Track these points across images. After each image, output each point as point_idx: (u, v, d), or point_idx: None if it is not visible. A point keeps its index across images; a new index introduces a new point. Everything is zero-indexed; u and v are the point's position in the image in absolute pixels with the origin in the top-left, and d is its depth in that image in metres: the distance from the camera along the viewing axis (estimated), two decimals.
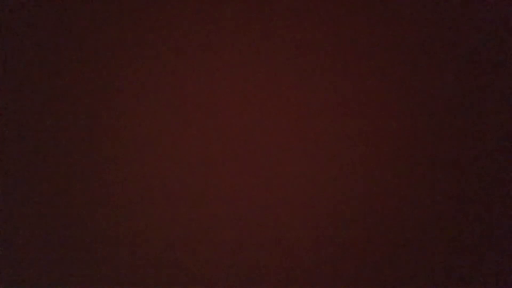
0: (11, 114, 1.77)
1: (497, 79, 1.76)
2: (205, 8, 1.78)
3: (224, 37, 1.78)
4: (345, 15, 1.77)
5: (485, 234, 1.74)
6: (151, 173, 1.75)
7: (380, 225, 1.74)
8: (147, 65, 1.77)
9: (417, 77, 1.77)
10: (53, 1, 1.78)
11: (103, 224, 1.75)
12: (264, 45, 1.77)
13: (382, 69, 1.77)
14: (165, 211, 1.75)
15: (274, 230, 1.75)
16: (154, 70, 1.77)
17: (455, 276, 1.74)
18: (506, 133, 1.75)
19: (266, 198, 1.75)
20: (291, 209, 1.75)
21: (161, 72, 1.77)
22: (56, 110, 1.77)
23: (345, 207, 1.75)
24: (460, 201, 1.75)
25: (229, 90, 1.77)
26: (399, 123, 1.76)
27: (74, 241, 1.75)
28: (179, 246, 1.75)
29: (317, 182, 1.75)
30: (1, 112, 1.77)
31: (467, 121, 1.76)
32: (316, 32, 1.77)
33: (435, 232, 1.74)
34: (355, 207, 1.75)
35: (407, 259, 1.74)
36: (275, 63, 1.77)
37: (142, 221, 1.75)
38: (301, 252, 1.74)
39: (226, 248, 1.75)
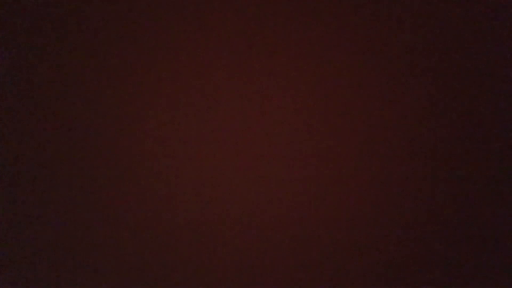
0: (11, 114, 1.77)
1: (497, 79, 1.76)
2: (206, 9, 1.78)
3: (225, 38, 1.78)
4: (345, 15, 1.78)
5: (485, 234, 1.74)
6: (152, 174, 1.76)
7: (380, 225, 1.74)
8: (148, 65, 1.78)
9: (417, 77, 1.77)
10: (54, 1, 1.78)
11: (103, 225, 1.75)
12: (265, 46, 1.77)
13: (382, 69, 1.77)
14: (165, 212, 1.75)
15: (274, 230, 1.75)
16: (154, 70, 1.77)
17: (455, 276, 1.74)
18: (506, 133, 1.75)
19: (266, 198, 1.75)
20: (291, 209, 1.75)
21: (161, 72, 1.77)
22: (55, 110, 1.77)
23: (345, 207, 1.75)
24: (460, 201, 1.75)
25: (230, 91, 1.77)
26: (399, 124, 1.76)
27: (75, 242, 1.75)
28: (179, 246, 1.75)
29: (317, 183, 1.75)
30: (2, 112, 1.77)
31: (467, 121, 1.76)
32: (316, 33, 1.78)
33: (435, 232, 1.74)
34: (355, 207, 1.75)
35: (407, 259, 1.74)
36: (276, 63, 1.77)
37: (143, 222, 1.75)
38: (301, 252, 1.74)
39: (226, 248, 1.75)
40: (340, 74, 1.77)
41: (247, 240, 1.75)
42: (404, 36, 1.77)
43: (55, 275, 1.75)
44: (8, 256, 1.75)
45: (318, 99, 1.77)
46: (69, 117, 1.77)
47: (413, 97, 1.77)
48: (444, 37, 1.77)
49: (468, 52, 1.77)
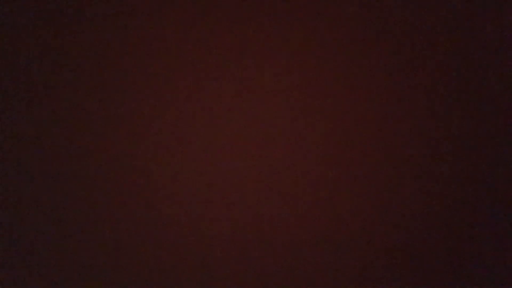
0: (9, 113, 1.77)
1: (497, 79, 1.76)
2: (206, 9, 1.78)
3: (224, 39, 1.78)
4: (344, 15, 1.78)
5: (485, 234, 1.74)
6: (152, 174, 1.76)
7: (380, 226, 1.74)
8: (148, 65, 1.78)
9: (417, 78, 1.77)
10: (55, 2, 1.78)
11: (103, 225, 1.75)
12: (266, 46, 1.77)
13: (382, 70, 1.77)
14: (165, 213, 1.75)
15: (274, 230, 1.75)
16: (154, 70, 1.77)
17: (455, 276, 1.74)
18: (506, 133, 1.75)
19: (267, 199, 1.75)
20: (291, 209, 1.75)
21: (161, 72, 1.77)
22: (56, 110, 1.77)
23: (346, 208, 1.75)
24: (460, 201, 1.75)
25: (230, 92, 1.77)
26: (399, 124, 1.76)
27: (75, 242, 1.75)
28: (179, 247, 1.75)
29: (318, 183, 1.75)
30: (3, 112, 1.77)
31: (466, 121, 1.76)
32: (315, 33, 1.77)
33: (435, 232, 1.74)
34: (355, 207, 1.75)
35: (407, 259, 1.74)
36: (276, 64, 1.77)
37: (143, 222, 1.75)
38: (301, 253, 1.74)
39: (226, 249, 1.75)
40: (342, 75, 1.77)
41: (248, 241, 1.75)
42: (406, 36, 1.77)
43: (55, 275, 1.75)
44: (7, 256, 1.75)
45: (319, 100, 1.76)
46: (71, 118, 1.77)
47: (415, 97, 1.76)
48: (445, 37, 1.77)
49: (469, 51, 1.77)
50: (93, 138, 1.76)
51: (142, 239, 1.75)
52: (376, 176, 1.75)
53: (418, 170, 1.75)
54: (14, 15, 1.78)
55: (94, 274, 1.75)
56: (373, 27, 1.77)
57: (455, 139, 1.76)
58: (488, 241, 1.74)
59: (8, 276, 1.75)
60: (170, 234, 1.75)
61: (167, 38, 1.78)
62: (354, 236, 1.74)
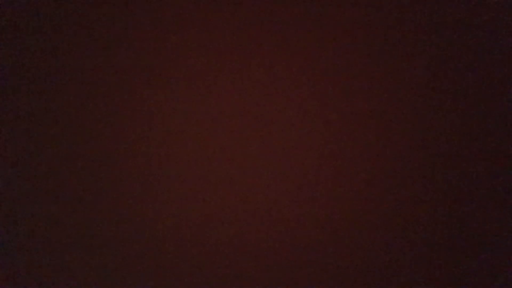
0: (10, 113, 1.77)
1: (497, 79, 1.76)
2: (206, 9, 1.78)
3: (224, 39, 1.78)
4: (344, 16, 1.78)
5: (485, 234, 1.74)
6: (152, 174, 1.76)
7: (380, 225, 1.74)
8: (149, 66, 1.78)
9: (417, 78, 1.77)
10: (54, 2, 1.79)
11: (103, 225, 1.75)
12: (266, 47, 1.77)
13: (382, 69, 1.77)
14: (165, 212, 1.75)
15: (274, 230, 1.75)
16: (155, 69, 1.77)
17: (455, 276, 1.74)
18: (506, 133, 1.75)
19: (267, 199, 1.75)
20: (291, 209, 1.75)
21: (162, 72, 1.77)
22: (55, 110, 1.77)
23: (345, 208, 1.75)
24: (460, 201, 1.75)
25: (231, 92, 1.77)
26: (400, 124, 1.76)
27: (74, 242, 1.75)
28: (179, 247, 1.75)
29: (317, 183, 1.75)
30: (3, 112, 1.77)
31: (467, 121, 1.76)
32: (316, 34, 1.77)
33: (435, 233, 1.74)
34: (355, 207, 1.75)
35: (407, 259, 1.74)
36: (277, 65, 1.77)
37: (142, 222, 1.75)
38: (301, 252, 1.74)
39: (226, 249, 1.75)
40: (342, 75, 1.77)
41: (247, 241, 1.75)
42: (404, 36, 1.77)
43: (55, 275, 1.75)
44: (7, 256, 1.75)
45: (318, 100, 1.77)
46: (72, 117, 1.77)
47: (413, 97, 1.76)
48: (446, 37, 1.77)
49: (469, 52, 1.77)
50: (93, 138, 1.76)
51: (143, 239, 1.75)
52: (377, 176, 1.75)
53: (418, 170, 1.75)
54: (14, 15, 1.78)
55: (95, 274, 1.75)
56: (374, 27, 1.77)
57: (454, 139, 1.76)
58: (488, 241, 1.74)
59: (8, 276, 1.75)
60: (170, 234, 1.75)
61: (168, 38, 1.78)
62: (355, 236, 1.74)
